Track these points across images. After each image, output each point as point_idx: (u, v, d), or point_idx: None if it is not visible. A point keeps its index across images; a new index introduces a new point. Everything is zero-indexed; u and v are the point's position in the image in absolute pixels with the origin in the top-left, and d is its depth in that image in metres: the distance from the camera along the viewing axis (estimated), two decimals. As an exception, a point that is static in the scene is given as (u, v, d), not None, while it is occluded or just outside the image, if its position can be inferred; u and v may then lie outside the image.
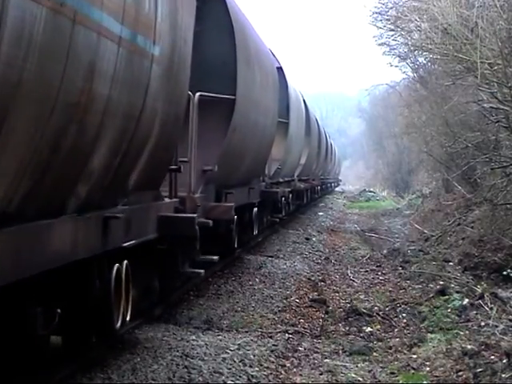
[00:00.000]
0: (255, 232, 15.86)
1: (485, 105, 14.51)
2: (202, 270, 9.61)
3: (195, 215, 8.51)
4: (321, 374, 7.88)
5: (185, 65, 7.94)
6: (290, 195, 22.82)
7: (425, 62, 26.98)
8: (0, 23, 3.80)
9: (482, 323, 9.61)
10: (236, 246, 13.65)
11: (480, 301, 10.67)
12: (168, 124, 7.42)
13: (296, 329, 9.81)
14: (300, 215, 29.10)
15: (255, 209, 15.54)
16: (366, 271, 15.46)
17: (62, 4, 4.39)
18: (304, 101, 27.15)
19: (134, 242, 6.97)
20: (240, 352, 8.32)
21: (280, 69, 20.03)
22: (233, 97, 11.21)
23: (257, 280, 13.41)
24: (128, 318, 7.26)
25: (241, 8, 13.13)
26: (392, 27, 22.20)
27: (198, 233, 8.47)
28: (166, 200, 8.43)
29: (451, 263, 15.32)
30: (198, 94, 9.86)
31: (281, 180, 20.58)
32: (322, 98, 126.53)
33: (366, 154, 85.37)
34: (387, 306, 11.37)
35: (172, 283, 9.54)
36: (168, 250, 8.38)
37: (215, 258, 10.53)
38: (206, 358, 7.93)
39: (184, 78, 7.94)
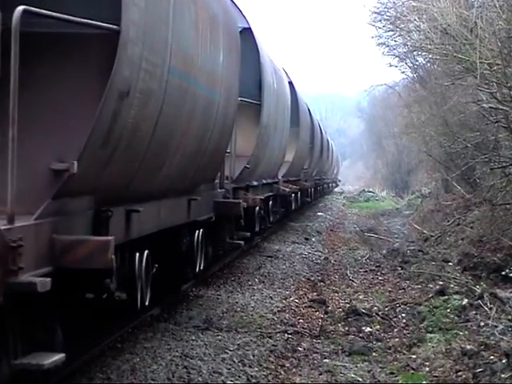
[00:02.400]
0: (198, 268, 10.67)
1: (484, 105, 14.51)
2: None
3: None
4: (320, 374, 7.87)
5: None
6: (271, 202, 18.94)
7: (424, 62, 27.00)
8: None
9: (482, 323, 9.61)
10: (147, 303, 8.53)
11: (479, 301, 10.66)
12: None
13: (295, 329, 9.81)
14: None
15: (199, 231, 10.54)
16: (366, 271, 15.45)
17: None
18: (291, 82, 22.28)
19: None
20: (239, 352, 8.32)
21: (248, 29, 15.24)
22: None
23: (256, 280, 13.41)
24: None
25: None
26: (391, 27, 22.25)
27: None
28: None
29: (450, 263, 15.32)
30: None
31: (254, 183, 15.90)
32: (321, 98, 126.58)
33: (366, 154, 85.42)
34: (386, 306, 11.37)
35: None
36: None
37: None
38: (205, 358, 7.93)
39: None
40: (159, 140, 7.24)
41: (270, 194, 18.65)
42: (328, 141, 46.23)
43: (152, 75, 6.54)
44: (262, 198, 16.05)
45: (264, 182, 17.44)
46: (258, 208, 15.93)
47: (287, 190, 20.81)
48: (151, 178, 7.64)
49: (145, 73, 6.33)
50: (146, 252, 8.25)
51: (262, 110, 15.05)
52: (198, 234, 10.49)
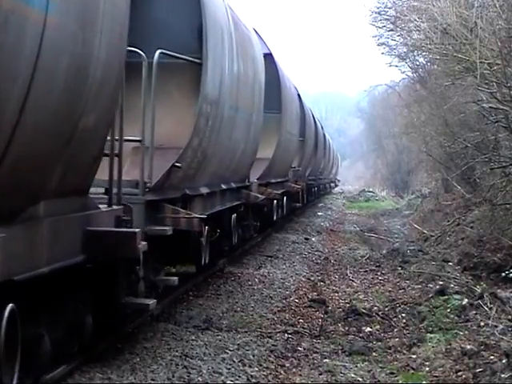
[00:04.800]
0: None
1: (484, 105, 14.51)
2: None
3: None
4: (320, 374, 7.87)
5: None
6: (234, 215, 13.70)
7: (424, 62, 27.01)
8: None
9: (482, 323, 9.61)
10: None
11: (479, 301, 10.66)
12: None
13: (295, 329, 9.81)
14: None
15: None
16: (366, 271, 15.45)
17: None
18: (270, 54, 18.43)
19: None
20: (239, 352, 8.32)
21: None
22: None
23: (256, 280, 13.41)
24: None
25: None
26: (391, 27, 22.28)
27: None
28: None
29: (450, 263, 15.32)
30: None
31: (201, 191, 10.77)
32: (321, 97, 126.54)
33: (366, 154, 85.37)
34: (387, 306, 11.37)
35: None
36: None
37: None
38: (205, 358, 7.94)
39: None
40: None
41: (237, 203, 13.76)
42: (325, 135, 41.36)
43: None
44: (205, 216, 10.02)
45: (224, 187, 12.33)
46: (204, 232, 10.51)
47: (261, 196, 15.30)
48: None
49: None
50: None
51: (205, 75, 9.66)
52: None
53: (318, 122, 35.57)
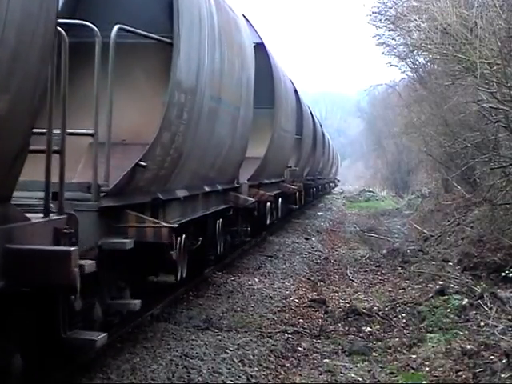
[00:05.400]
0: None
1: (484, 105, 14.50)
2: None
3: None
4: (320, 374, 7.88)
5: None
6: (220, 221, 12.38)
7: (424, 61, 26.99)
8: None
9: (482, 323, 9.61)
10: None
11: (479, 301, 10.66)
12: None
13: (295, 329, 9.81)
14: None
15: None
16: (366, 271, 15.45)
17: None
18: (260, 44, 17.04)
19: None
20: (239, 352, 8.32)
21: None
22: None
23: (256, 280, 13.41)
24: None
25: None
26: (391, 27, 22.26)
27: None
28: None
29: (450, 263, 15.31)
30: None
31: (177, 194, 9.33)
32: (321, 97, 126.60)
33: (366, 153, 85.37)
34: (387, 306, 11.37)
35: None
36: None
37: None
38: (205, 358, 7.94)
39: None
40: None
41: (224, 206, 12.45)
42: (324, 134, 39.70)
43: None
44: (175, 225, 8.20)
45: (208, 189, 11.05)
46: (176, 244, 8.79)
47: (251, 199, 13.74)
48: None
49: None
50: None
51: (177, 58, 7.98)
52: None
53: (316, 120, 33.86)
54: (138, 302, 7.62)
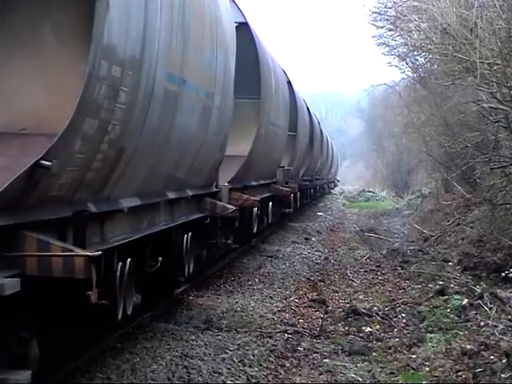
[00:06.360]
0: None
1: (484, 105, 14.51)
2: None
3: None
4: (320, 374, 7.88)
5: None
6: (188, 235, 9.93)
7: (424, 62, 26.97)
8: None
9: (482, 323, 9.61)
10: None
11: (479, 301, 10.67)
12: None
13: (295, 329, 9.81)
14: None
15: None
16: (366, 271, 15.45)
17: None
18: (244, 16, 14.71)
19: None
20: (239, 352, 8.32)
21: None
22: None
23: (256, 280, 13.41)
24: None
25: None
26: (391, 27, 22.23)
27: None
28: None
29: (450, 263, 15.32)
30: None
31: (89, 209, 6.15)
32: (321, 98, 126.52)
33: (366, 154, 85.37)
34: (387, 306, 11.37)
35: None
36: None
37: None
38: (205, 358, 7.94)
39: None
40: None
41: (198, 216, 10.41)
42: (322, 131, 36.89)
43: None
44: (96, 253, 5.46)
45: (173, 196, 8.87)
46: (94, 279, 5.57)
47: (230, 207, 11.49)
48: None
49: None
50: None
51: (103, 11, 5.51)
52: None
53: (314, 116, 31.60)
54: (26, 374, 5.16)
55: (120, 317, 7.01)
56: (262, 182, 16.66)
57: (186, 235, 9.84)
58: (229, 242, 12.96)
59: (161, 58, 7.10)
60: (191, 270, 10.22)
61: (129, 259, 7.19)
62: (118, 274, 6.84)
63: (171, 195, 8.83)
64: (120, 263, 6.91)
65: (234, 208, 11.72)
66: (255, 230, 15.57)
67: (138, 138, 6.86)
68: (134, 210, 7.39)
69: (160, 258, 8.41)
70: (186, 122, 8.59)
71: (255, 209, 15.07)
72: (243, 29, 14.08)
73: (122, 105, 6.17)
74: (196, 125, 9.21)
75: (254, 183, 15.39)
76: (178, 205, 9.35)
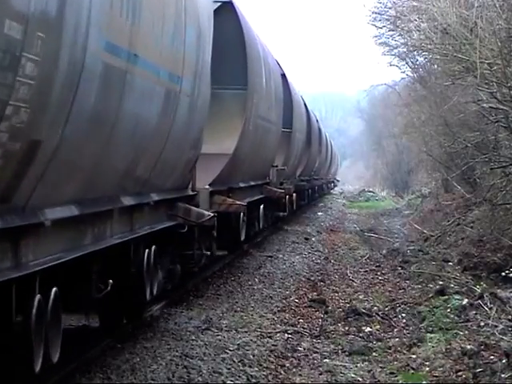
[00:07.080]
0: None
1: (484, 105, 14.51)
2: None
3: None
4: (320, 374, 7.87)
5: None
6: (151, 250, 8.49)
7: (424, 61, 26.98)
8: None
9: (482, 323, 9.61)
10: None
11: (479, 301, 10.66)
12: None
13: (295, 329, 9.81)
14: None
15: None
16: (366, 271, 15.44)
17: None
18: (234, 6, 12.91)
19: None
20: (239, 352, 8.31)
21: None
22: None
23: (256, 280, 13.41)
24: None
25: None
26: (391, 27, 22.25)
27: None
28: None
29: (451, 263, 15.31)
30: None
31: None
32: (321, 97, 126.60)
33: (366, 153, 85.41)
34: (387, 306, 11.37)
35: None
36: None
37: None
38: (205, 358, 7.94)
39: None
40: None
41: (168, 224, 9.09)
42: (320, 129, 35.27)
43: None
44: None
45: (129, 202, 7.34)
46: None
47: (208, 213, 10.02)
48: None
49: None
50: None
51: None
52: None
53: (311, 113, 29.76)
54: None
55: (38, 369, 5.39)
56: (252, 183, 15.21)
57: (147, 250, 8.23)
58: (209, 252, 11.14)
59: (95, 21, 5.43)
60: (154, 291, 8.59)
61: (54, 289, 5.72)
62: (34, 310, 5.33)
63: (128, 201, 7.25)
64: (38, 295, 5.35)
65: (212, 215, 10.07)
66: (243, 237, 14.15)
67: (63, 128, 5.18)
68: (71, 222, 5.82)
69: (110, 281, 7.04)
70: (141, 108, 6.94)
71: (242, 214, 13.60)
72: (227, 8, 12.33)
73: (29, 79, 4.51)
74: (158, 113, 7.53)
75: (242, 185, 13.94)
76: (139, 212, 7.76)
